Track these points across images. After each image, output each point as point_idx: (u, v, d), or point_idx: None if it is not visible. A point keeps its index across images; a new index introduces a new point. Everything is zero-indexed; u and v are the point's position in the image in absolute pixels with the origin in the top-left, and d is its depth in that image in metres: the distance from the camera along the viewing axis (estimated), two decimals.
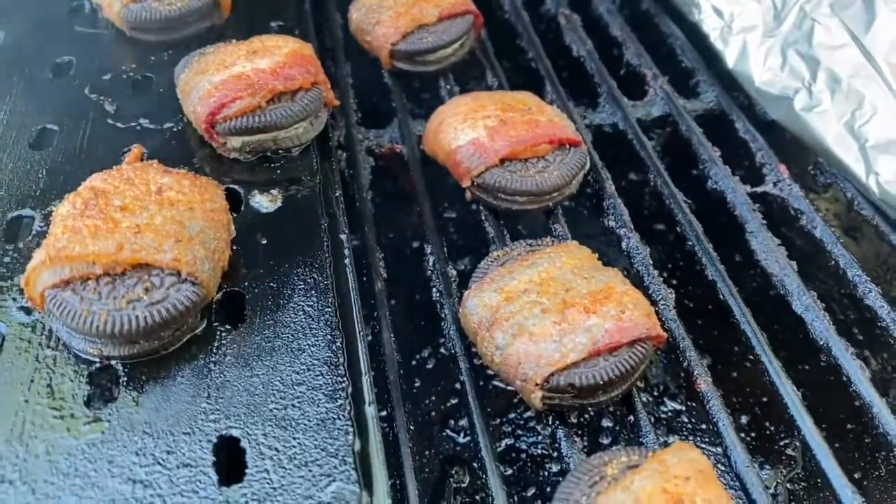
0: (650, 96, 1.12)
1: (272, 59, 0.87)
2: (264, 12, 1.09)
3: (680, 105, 1.08)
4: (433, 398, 0.84)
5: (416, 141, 1.02)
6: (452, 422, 0.90)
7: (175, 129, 0.90)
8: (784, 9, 1.04)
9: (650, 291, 0.84)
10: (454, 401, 0.90)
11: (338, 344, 0.68)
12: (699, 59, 1.16)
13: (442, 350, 0.91)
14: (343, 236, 0.80)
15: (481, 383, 0.76)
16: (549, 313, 0.72)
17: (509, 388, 0.73)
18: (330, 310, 0.71)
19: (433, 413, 0.90)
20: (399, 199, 0.98)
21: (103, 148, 0.87)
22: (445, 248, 0.89)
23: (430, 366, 0.84)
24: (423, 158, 1.00)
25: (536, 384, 0.69)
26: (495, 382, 0.86)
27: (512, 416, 0.91)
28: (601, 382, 0.69)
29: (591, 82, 1.14)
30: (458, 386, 0.77)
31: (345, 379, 0.66)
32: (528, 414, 0.90)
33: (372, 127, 1.06)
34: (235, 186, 0.83)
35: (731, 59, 1.07)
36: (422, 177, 0.97)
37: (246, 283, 0.73)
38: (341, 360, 0.67)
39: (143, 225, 0.67)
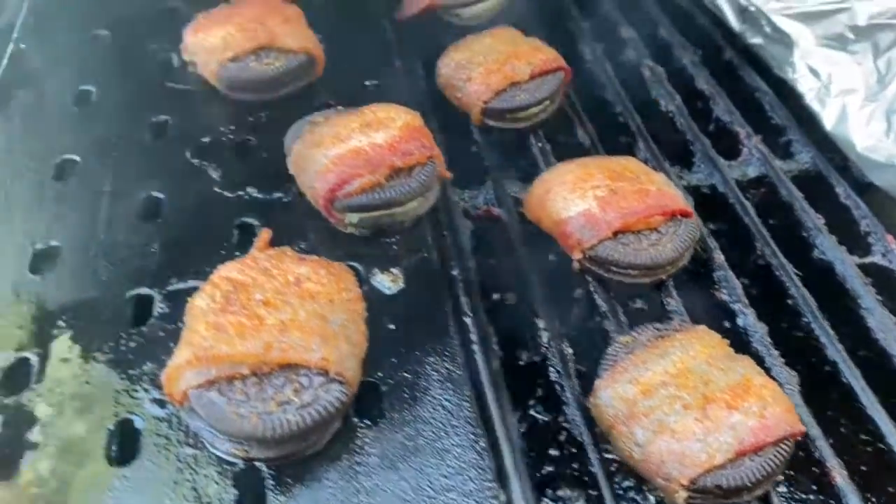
0: (744, 155, 1.10)
1: (387, 132, 0.85)
2: (356, 70, 1.07)
3: (777, 166, 1.07)
4: (563, 489, 0.81)
5: (513, 203, 1.01)
6: None
7: (285, 200, 0.89)
8: (889, 73, 1.03)
9: (772, 373, 0.82)
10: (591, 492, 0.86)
11: (482, 445, 0.67)
12: (790, 117, 1.14)
13: (563, 437, 0.88)
14: (468, 319, 0.78)
15: (614, 477, 0.74)
16: (690, 409, 0.70)
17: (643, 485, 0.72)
18: (468, 404, 0.70)
19: None
20: (503, 268, 0.96)
21: (215, 219, 0.86)
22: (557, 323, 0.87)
23: (554, 452, 0.82)
24: (522, 220, 0.98)
25: (681, 485, 0.68)
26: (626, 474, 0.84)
27: None
28: (749, 484, 0.68)
29: (683, 139, 1.13)
30: (586, 479, 0.76)
31: (494, 485, 0.64)
32: None
33: (465, 186, 1.04)
34: (355, 263, 0.82)
35: (829, 122, 1.05)
36: (523, 243, 0.95)
37: (380, 374, 0.72)
38: (487, 462, 0.66)
39: (288, 321, 0.65)
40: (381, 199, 0.82)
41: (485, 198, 1.03)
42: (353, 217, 0.83)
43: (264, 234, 0.78)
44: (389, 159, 0.83)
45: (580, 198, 0.90)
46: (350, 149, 0.84)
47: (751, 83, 1.21)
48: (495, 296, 0.92)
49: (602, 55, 1.28)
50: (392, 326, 0.75)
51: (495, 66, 1.09)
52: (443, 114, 1.14)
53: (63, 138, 0.96)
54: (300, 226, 0.86)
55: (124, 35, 1.14)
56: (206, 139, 0.96)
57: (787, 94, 1.16)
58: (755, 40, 1.20)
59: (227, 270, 0.70)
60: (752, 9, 1.16)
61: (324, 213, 0.84)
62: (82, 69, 1.07)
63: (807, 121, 1.11)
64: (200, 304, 0.67)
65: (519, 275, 0.93)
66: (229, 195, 0.89)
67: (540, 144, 1.09)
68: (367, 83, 1.06)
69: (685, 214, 0.91)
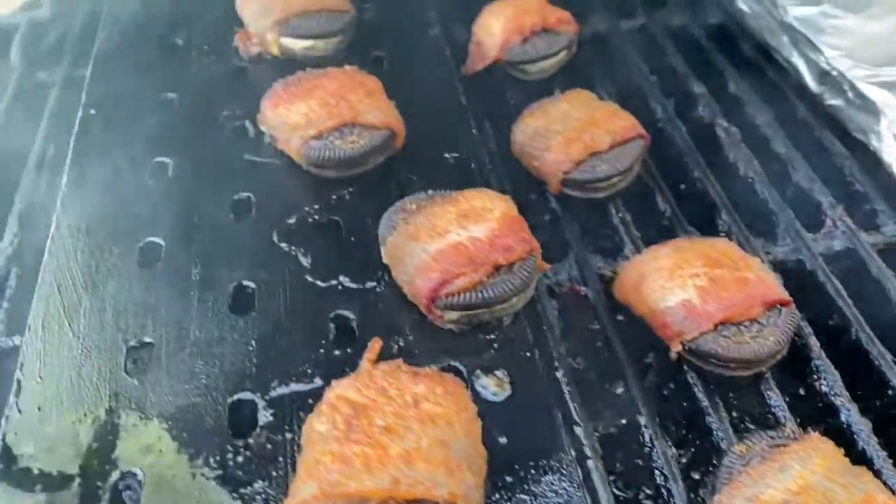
0: (828, 227, 1.08)
1: (486, 225, 0.83)
2: (436, 143, 1.05)
3: (864, 240, 1.04)
4: None
5: (598, 280, 0.99)
6: None
7: (378, 290, 0.87)
8: None
9: (883, 477, 0.81)
10: None
11: None
12: (872, 184, 1.12)
13: None
14: (579, 430, 0.76)
15: None
16: None
17: None
18: None
19: None
20: (593, 356, 0.94)
21: (309, 312, 0.84)
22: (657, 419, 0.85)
23: None
24: (608, 297, 0.96)
25: None
26: None
27: None
28: None
29: (765, 208, 1.10)
30: None
31: None
32: None
33: (546, 259, 1.02)
34: (457, 364, 0.80)
35: None
36: (615, 330, 0.93)
37: (496, 497, 0.70)
38: None
39: (413, 451, 0.64)
40: (484, 299, 0.80)
41: (568, 273, 1.01)
42: (453, 314, 0.81)
43: (375, 346, 0.76)
44: (492, 256, 0.81)
45: (679, 287, 0.88)
46: (450, 244, 0.82)
47: (829, 146, 1.19)
48: (587, 392, 0.90)
49: (674, 113, 1.25)
50: (503, 440, 0.73)
51: (574, 134, 1.07)
52: (518, 180, 1.13)
53: (144, 218, 0.94)
54: (396, 320, 0.84)
55: (194, 99, 1.12)
56: (291, 220, 0.94)
57: (868, 160, 1.14)
58: (835, 102, 1.17)
59: (344, 390, 0.68)
60: (835, 73, 1.14)
61: (424, 310, 0.82)
62: (156, 139, 1.05)
63: (891, 188, 1.09)
64: (320, 428, 0.66)
65: (615, 366, 0.91)
66: (322, 285, 0.87)
67: (620, 214, 1.07)
68: (446, 155, 1.03)
69: (785, 304, 0.89)
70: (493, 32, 1.27)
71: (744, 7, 1.31)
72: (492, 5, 1.31)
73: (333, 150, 0.96)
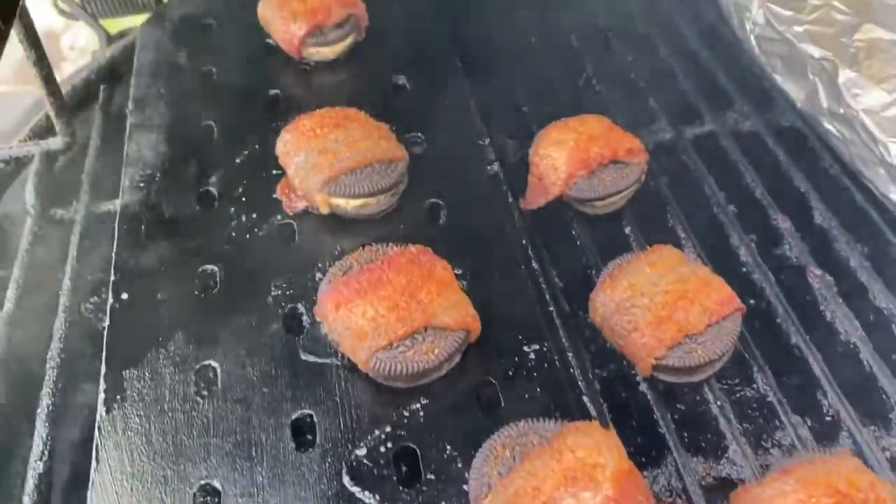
0: None
1: (598, 491, 0.72)
2: (510, 330, 0.94)
3: None
4: None
5: (702, 492, 0.88)
6: None
7: None
8: None
9: None
10: None
11: None
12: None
13: None
14: None
15: None
16: None
17: None
18: None
19: None
20: None
21: None
22: None
23: None
24: None
25: None
26: None
27: None
28: None
29: (873, 384, 1.00)
30: None
31: None
32: None
33: (643, 466, 0.92)
34: None
35: None
36: None
37: None
38: None
39: None
40: None
41: (667, 482, 0.91)
42: None
43: None
44: None
45: None
46: None
47: None
48: None
49: (756, 253, 1.14)
50: None
51: (664, 311, 0.96)
52: (600, 355, 1.02)
53: (196, 452, 0.84)
54: None
55: (237, 275, 1.01)
56: (361, 451, 0.83)
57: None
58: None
59: None
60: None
61: None
62: (198, 335, 0.94)
63: None
64: None
65: None
66: None
67: (719, 403, 0.96)
68: (526, 349, 0.92)
69: None
70: (556, 166, 1.15)
71: (830, 128, 1.19)
72: (551, 130, 1.19)
73: (406, 364, 0.85)
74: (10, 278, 1.08)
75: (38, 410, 0.95)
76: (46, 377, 0.97)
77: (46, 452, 0.90)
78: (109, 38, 1.56)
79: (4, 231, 1.22)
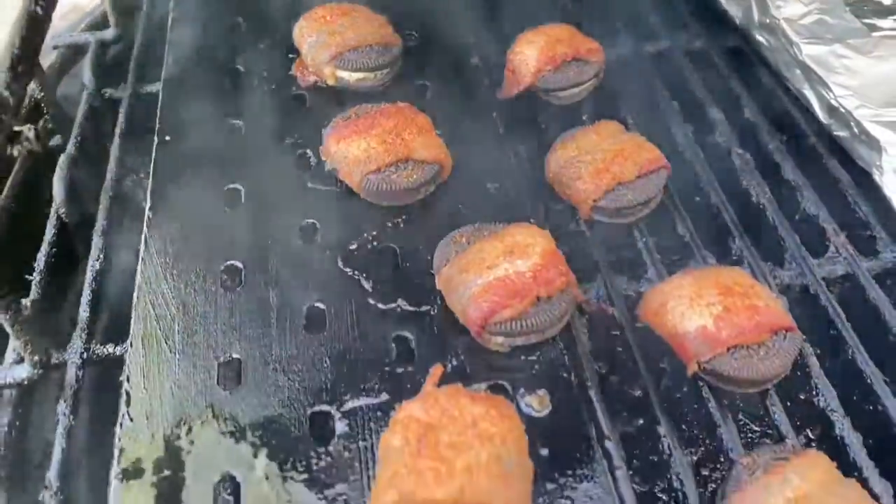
0: (831, 252, 1.19)
1: (529, 260, 0.95)
2: (479, 173, 1.17)
3: (864, 267, 1.16)
4: None
5: (624, 301, 1.11)
6: None
7: (432, 313, 0.99)
8: None
9: (870, 484, 0.93)
10: None
11: None
12: (873, 213, 1.23)
13: None
14: (609, 444, 0.89)
15: None
16: None
17: None
18: None
19: None
20: (621, 369, 1.07)
21: (373, 333, 0.97)
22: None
23: None
24: (632, 318, 1.08)
25: None
26: None
27: None
28: None
29: (775, 234, 1.22)
30: None
31: None
32: None
33: (578, 280, 1.14)
34: (504, 383, 0.93)
35: None
36: (637, 345, 1.05)
37: (539, 501, 0.83)
38: None
39: (473, 465, 0.76)
40: (527, 327, 0.93)
41: (597, 293, 1.13)
42: (499, 339, 0.94)
43: (437, 372, 0.89)
44: (535, 290, 0.93)
45: (697, 314, 1.00)
46: (497, 277, 0.94)
47: (835, 174, 1.30)
48: (614, 404, 1.02)
49: (693, 139, 1.36)
50: (545, 452, 0.86)
51: (602, 164, 1.18)
52: (552, 205, 1.24)
53: (223, 243, 1.06)
54: (450, 341, 0.96)
55: (259, 126, 1.24)
56: (353, 246, 1.06)
57: (871, 187, 1.25)
58: (841, 133, 1.28)
59: (412, 410, 0.81)
60: (842, 110, 1.24)
61: (474, 335, 0.94)
62: (227, 166, 1.17)
63: (890, 218, 1.20)
64: (395, 444, 0.78)
65: (635, 380, 1.03)
66: (383, 307, 0.99)
67: (644, 240, 1.18)
68: (488, 186, 1.15)
69: (790, 329, 1.01)
70: (527, 61, 1.37)
71: (761, 39, 1.41)
72: (526, 34, 1.41)
73: (391, 183, 1.08)
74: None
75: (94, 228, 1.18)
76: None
77: (102, 257, 1.14)
78: None
79: (64, 106, 1.45)
